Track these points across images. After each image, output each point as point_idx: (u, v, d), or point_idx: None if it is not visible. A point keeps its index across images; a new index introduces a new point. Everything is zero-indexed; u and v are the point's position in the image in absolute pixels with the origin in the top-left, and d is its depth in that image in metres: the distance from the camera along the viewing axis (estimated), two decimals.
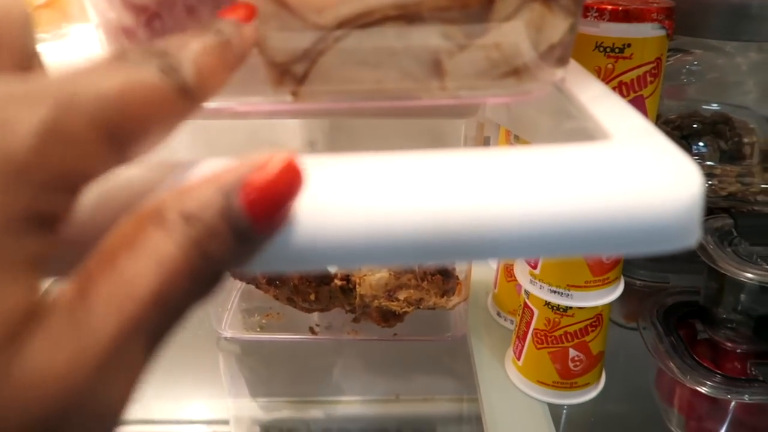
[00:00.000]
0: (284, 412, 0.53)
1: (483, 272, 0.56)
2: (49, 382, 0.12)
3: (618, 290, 0.41)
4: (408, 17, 0.21)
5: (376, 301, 0.47)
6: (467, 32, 0.21)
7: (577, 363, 0.42)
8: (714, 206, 0.45)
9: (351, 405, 0.52)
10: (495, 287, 0.52)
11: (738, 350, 0.40)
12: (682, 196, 0.16)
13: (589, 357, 0.42)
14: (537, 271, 0.40)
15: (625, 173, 0.17)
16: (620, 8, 0.34)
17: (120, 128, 0.13)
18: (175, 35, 0.16)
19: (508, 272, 0.49)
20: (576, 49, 0.25)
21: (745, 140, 0.50)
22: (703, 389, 0.37)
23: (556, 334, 0.41)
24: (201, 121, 0.18)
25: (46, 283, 0.14)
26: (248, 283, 0.50)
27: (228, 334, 0.50)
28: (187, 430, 0.51)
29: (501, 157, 0.17)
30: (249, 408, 0.53)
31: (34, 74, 0.16)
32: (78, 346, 0.12)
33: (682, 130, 0.50)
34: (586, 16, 0.35)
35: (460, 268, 0.51)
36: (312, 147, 0.46)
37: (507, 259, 0.47)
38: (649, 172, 0.17)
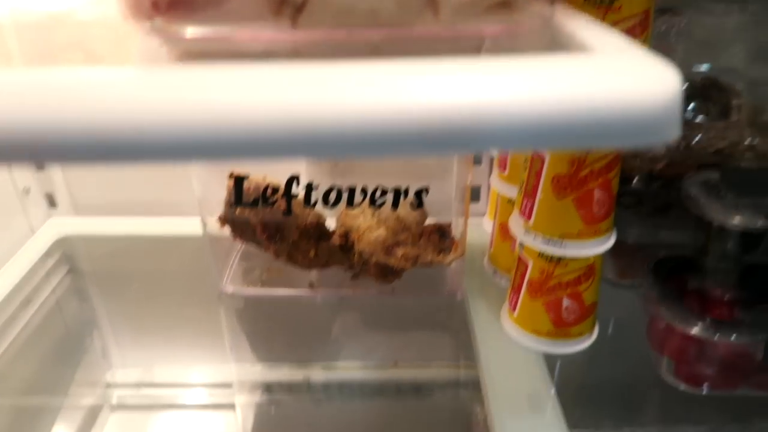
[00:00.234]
0: (284, 370, 0.54)
1: (478, 235, 0.57)
2: None
3: (609, 241, 0.42)
4: None
5: (374, 257, 0.49)
6: None
7: (571, 312, 0.43)
8: (702, 162, 0.46)
9: (350, 365, 0.54)
10: (491, 247, 0.54)
11: (725, 297, 0.42)
12: (661, 93, 0.17)
13: (582, 307, 0.43)
14: (531, 223, 0.42)
15: (609, 75, 0.18)
16: None
17: None
18: None
19: (504, 231, 0.51)
20: (566, 2, 0.26)
21: (733, 102, 0.51)
22: (692, 332, 0.38)
23: (550, 284, 0.43)
24: None
25: None
26: (248, 242, 0.51)
27: (229, 289, 0.51)
28: (190, 392, 0.52)
29: (498, 63, 0.18)
30: (250, 366, 0.54)
31: None
32: None
33: None
34: None
35: (456, 229, 0.52)
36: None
37: (508, 148, 0.48)
38: (631, 73, 0.18)
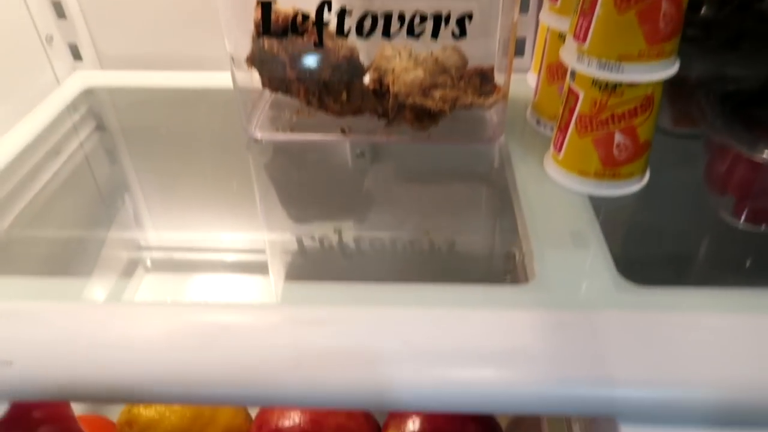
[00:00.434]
0: (315, 223, 0.53)
1: (522, 90, 0.54)
2: None
3: (673, 67, 0.38)
4: None
5: (410, 99, 0.45)
6: None
7: (623, 150, 0.40)
8: None
9: (383, 214, 0.52)
10: (535, 96, 0.50)
11: None
12: None
13: (636, 144, 0.40)
14: (585, 45, 0.38)
15: None
16: None
17: None
18: None
19: (551, 73, 0.47)
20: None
21: None
22: (760, 159, 0.35)
23: (602, 117, 0.39)
24: None
25: None
26: (277, 87, 0.48)
27: (258, 135, 0.49)
28: (222, 247, 0.51)
29: None
30: (279, 218, 0.53)
31: None
32: None
33: None
34: None
35: (498, 78, 0.48)
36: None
37: None
38: None
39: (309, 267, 0.49)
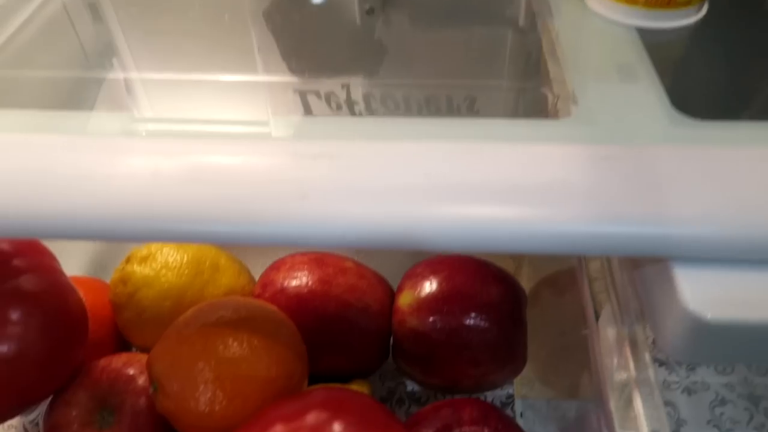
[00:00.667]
0: (322, 80, 0.47)
1: None
2: None
3: None
4: None
5: None
6: None
7: None
8: None
9: (396, 68, 0.46)
10: None
11: None
12: None
13: None
14: None
15: None
16: None
17: None
18: None
19: None
20: None
21: None
22: None
23: None
24: None
25: None
26: None
27: None
28: (222, 109, 0.46)
29: None
30: (279, 70, 0.47)
31: None
32: None
33: None
34: None
35: None
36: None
37: None
38: None
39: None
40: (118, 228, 0.27)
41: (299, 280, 0.43)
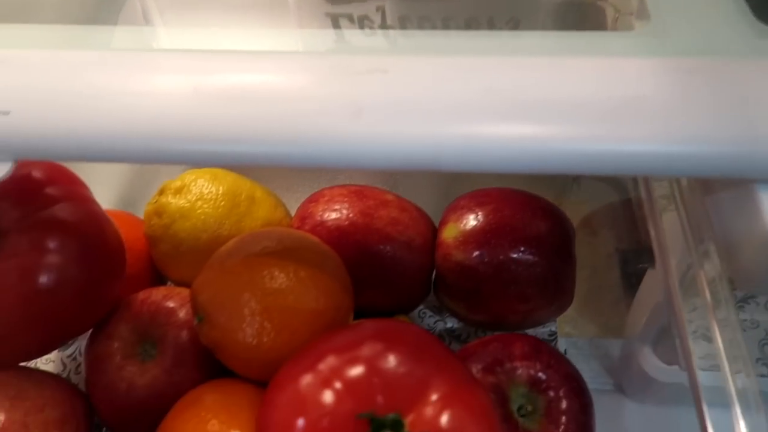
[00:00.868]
0: (354, 2, 0.44)
1: None
2: None
3: None
4: None
5: None
6: None
7: None
8: None
9: None
10: None
11: None
12: None
13: None
14: None
15: None
16: None
17: None
18: None
19: None
20: None
21: None
22: None
23: None
24: None
25: None
26: None
27: None
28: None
29: None
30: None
31: None
32: None
33: None
34: None
35: None
36: None
37: None
38: None
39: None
40: (163, 148, 0.25)
41: (339, 212, 0.42)
